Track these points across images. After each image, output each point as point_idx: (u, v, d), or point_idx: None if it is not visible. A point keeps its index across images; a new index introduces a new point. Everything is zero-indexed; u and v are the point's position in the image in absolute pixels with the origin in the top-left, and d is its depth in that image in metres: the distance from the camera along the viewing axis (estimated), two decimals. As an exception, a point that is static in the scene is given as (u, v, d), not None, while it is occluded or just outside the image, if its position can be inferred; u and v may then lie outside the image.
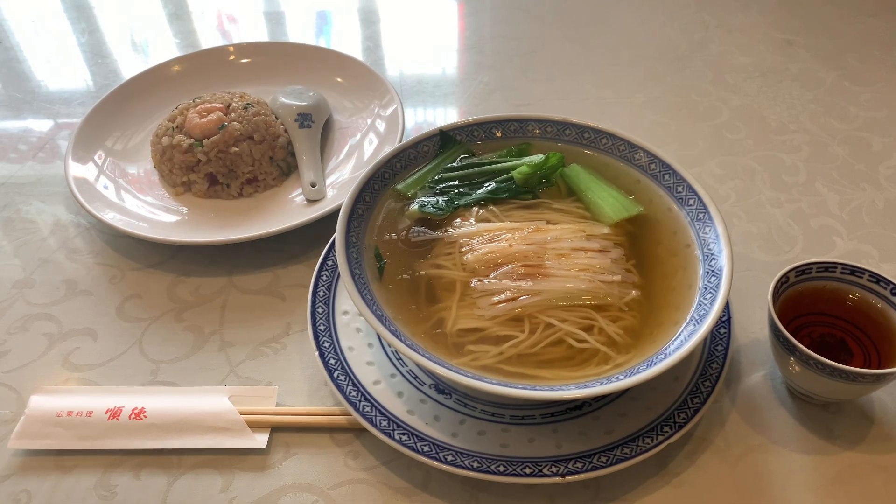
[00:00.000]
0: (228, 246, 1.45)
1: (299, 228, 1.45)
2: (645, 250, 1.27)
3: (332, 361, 1.29)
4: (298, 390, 1.28)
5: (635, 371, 1.10)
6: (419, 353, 1.11)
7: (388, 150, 1.48)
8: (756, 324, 1.46)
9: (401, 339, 1.12)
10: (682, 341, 1.14)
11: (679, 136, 1.82)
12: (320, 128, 1.74)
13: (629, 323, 1.15)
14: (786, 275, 1.30)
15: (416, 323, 1.15)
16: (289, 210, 1.58)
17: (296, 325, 1.38)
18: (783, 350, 1.24)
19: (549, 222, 1.27)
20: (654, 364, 1.10)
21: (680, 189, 1.30)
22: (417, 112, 1.94)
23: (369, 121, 1.76)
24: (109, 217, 1.59)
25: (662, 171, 1.34)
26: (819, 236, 1.55)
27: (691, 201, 1.35)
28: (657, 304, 1.18)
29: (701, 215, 1.33)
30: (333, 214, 1.25)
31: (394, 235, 1.28)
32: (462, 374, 1.08)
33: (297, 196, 1.61)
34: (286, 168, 1.67)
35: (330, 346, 1.33)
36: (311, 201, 1.59)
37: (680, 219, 1.28)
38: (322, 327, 1.27)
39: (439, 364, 1.10)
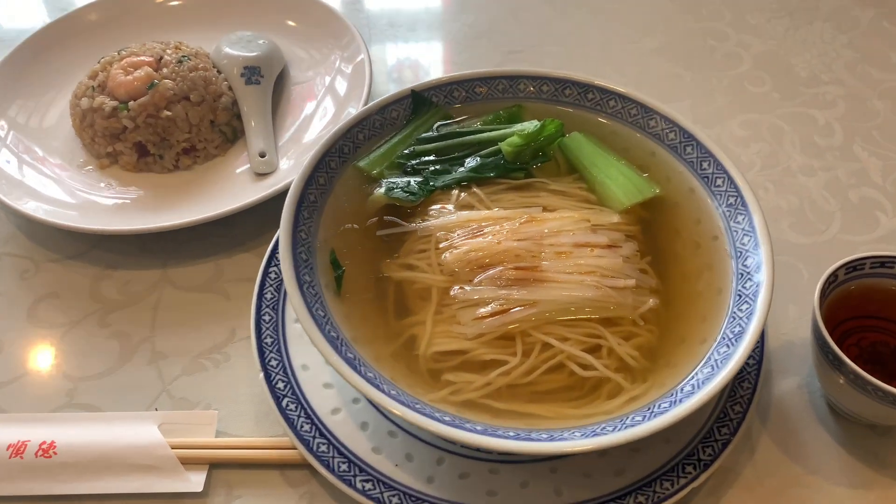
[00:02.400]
0: (163, 231, 1.23)
1: (247, 209, 1.25)
2: (662, 243, 1.09)
3: (281, 385, 1.05)
4: (244, 414, 1.11)
5: (655, 410, 0.88)
6: (382, 393, 0.87)
7: (353, 112, 1.20)
8: (789, 322, 1.23)
9: (359, 372, 0.89)
10: (713, 368, 0.91)
11: (694, 89, 1.64)
12: (272, 84, 1.53)
13: (645, 340, 0.98)
14: (834, 273, 1.07)
15: (382, 342, 0.97)
16: (235, 186, 1.38)
17: (242, 331, 1.21)
18: (828, 365, 1.02)
19: (545, 209, 1.08)
20: (679, 401, 0.87)
21: (705, 165, 1.11)
22: (388, 62, 1.67)
23: (329, 77, 1.47)
24: (17, 200, 1.32)
25: (683, 141, 1.14)
26: (860, 211, 1.38)
27: (719, 181, 1.09)
28: (678, 312, 1.01)
29: (732, 199, 1.08)
30: (287, 192, 1.04)
31: (355, 227, 1.08)
32: (438, 422, 0.84)
33: (244, 168, 1.40)
34: (231, 134, 1.47)
35: (279, 364, 1.10)
36: (261, 175, 1.38)
37: (705, 203, 1.09)
38: (269, 339, 1.05)
39: (409, 407, 0.86)
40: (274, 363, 1.10)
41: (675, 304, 1.00)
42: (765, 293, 0.95)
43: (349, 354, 0.89)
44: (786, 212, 1.39)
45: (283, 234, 1.03)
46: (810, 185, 1.44)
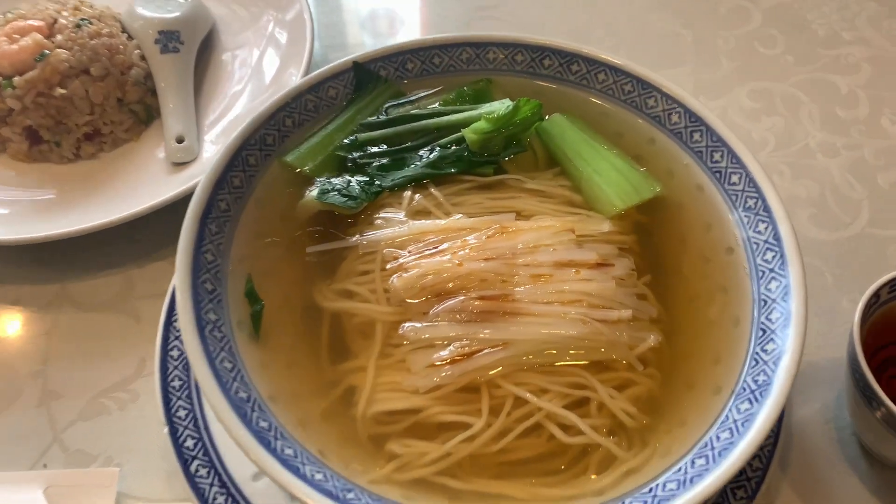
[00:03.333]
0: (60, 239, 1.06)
1: (164, 208, 1.07)
2: (663, 256, 0.92)
3: (190, 443, 0.85)
4: (153, 471, 0.93)
5: (659, 494, 0.67)
6: (301, 479, 0.66)
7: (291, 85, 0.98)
8: (811, 337, 1.02)
9: (272, 448, 0.68)
10: (733, 432, 0.71)
11: (696, 51, 1.45)
12: (194, 52, 1.31)
13: (644, 389, 0.81)
14: (877, 292, 0.87)
15: (311, 397, 0.80)
16: (149, 178, 1.19)
17: (154, 362, 0.95)
18: (862, 400, 0.83)
19: (519, 215, 0.90)
20: (690, 481, 0.68)
21: (717, 156, 0.92)
22: (333, 25, 1.49)
23: (264, 42, 1.25)
24: None
25: (690, 125, 0.95)
26: (891, 199, 1.21)
27: (735, 177, 0.90)
28: (685, 349, 0.84)
29: (751, 201, 0.88)
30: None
31: (279, 241, 0.90)
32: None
33: (160, 155, 1.21)
34: (144, 115, 1.27)
35: (188, 415, 0.88)
36: (180, 165, 1.19)
37: (717, 205, 0.90)
38: (178, 382, 0.88)
39: (335, 499, 0.65)
40: (182, 414, 0.89)
41: (680, 337, 0.84)
42: (796, 330, 0.74)
43: (261, 423, 0.68)
44: (804, 201, 1.21)
45: (181, 257, 0.80)
46: (832, 168, 1.26)
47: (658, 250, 0.91)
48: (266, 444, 0.70)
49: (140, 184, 1.16)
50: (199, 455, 0.87)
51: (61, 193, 1.16)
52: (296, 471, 0.68)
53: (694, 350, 0.83)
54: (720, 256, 0.87)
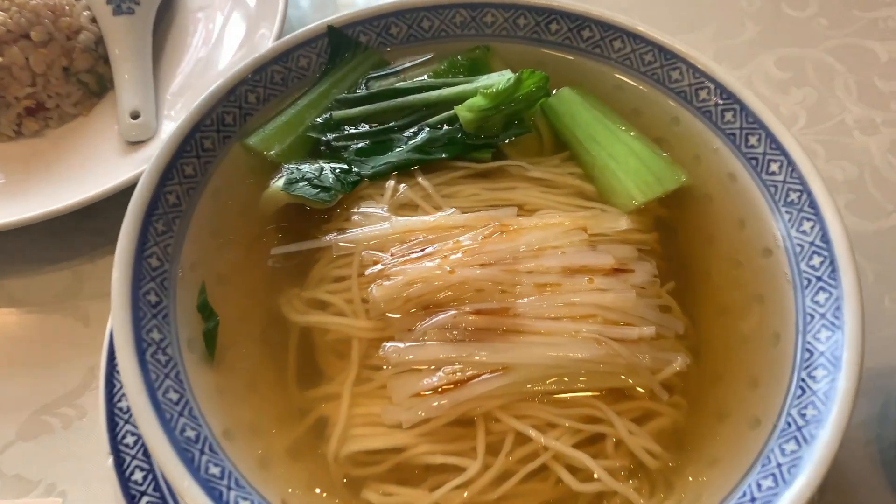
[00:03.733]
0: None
1: (118, 193, 0.97)
2: (688, 257, 0.82)
3: (139, 475, 0.74)
4: (102, 501, 0.83)
5: None
6: None
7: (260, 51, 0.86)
8: (847, 344, 0.90)
9: (223, 501, 0.55)
10: (777, 480, 0.61)
11: (716, 13, 1.31)
12: (153, 13, 1.19)
13: (669, 422, 0.71)
14: None
15: (275, 429, 0.70)
16: (100, 159, 1.08)
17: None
18: None
19: (521, 210, 0.80)
20: None
21: (754, 140, 0.80)
22: None
23: (230, 1, 1.10)
24: None
25: (722, 103, 0.83)
26: None
27: (775, 165, 0.78)
28: (716, 369, 0.74)
29: (795, 195, 0.76)
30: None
31: (240, 242, 0.79)
32: None
33: (114, 133, 1.10)
34: (96, 86, 1.16)
35: (137, 441, 0.76)
36: (136, 144, 1.08)
37: (752, 197, 0.79)
38: (125, 403, 0.78)
39: None
40: (130, 441, 0.77)
41: (709, 356, 0.75)
42: (852, 354, 0.63)
43: (211, 468, 0.60)
44: (841, 185, 1.11)
45: (118, 264, 0.70)
46: (872, 147, 1.14)
47: (682, 251, 0.82)
48: (216, 497, 0.59)
49: (91, 165, 1.07)
50: (149, 490, 0.75)
51: (1, 176, 1.07)
52: (251, 533, 0.56)
53: (725, 372, 0.73)
54: (756, 260, 0.77)
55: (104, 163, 1.05)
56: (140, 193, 0.74)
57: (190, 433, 0.63)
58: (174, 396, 0.65)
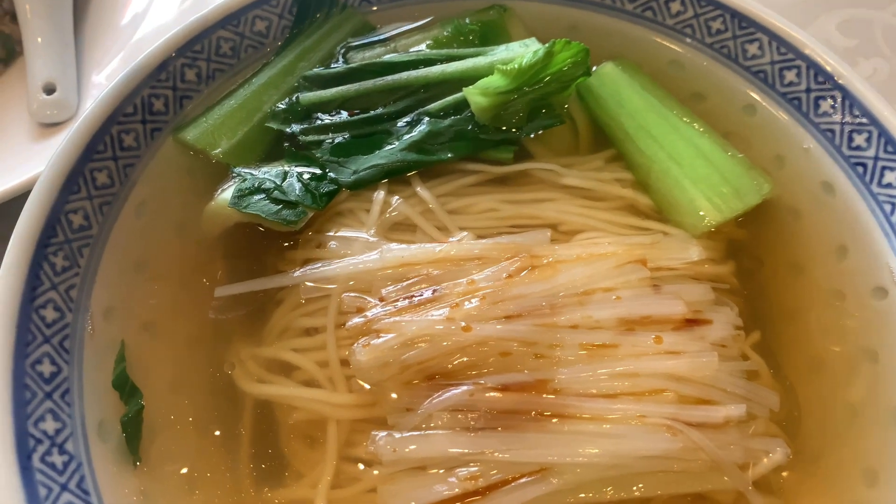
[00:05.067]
0: None
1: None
2: (771, 292, 0.65)
3: None
4: None
5: None
6: None
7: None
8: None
9: None
10: None
11: None
12: None
13: None
14: None
15: None
16: (5, 145, 0.90)
17: None
18: None
19: (555, 231, 0.63)
20: None
21: (860, 139, 0.62)
22: None
23: None
24: None
25: (817, 89, 0.65)
26: None
27: (892, 175, 0.61)
28: (815, 454, 0.57)
29: None
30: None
31: (166, 274, 0.62)
32: None
33: (23, 111, 0.92)
34: (1, 50, 0.97)
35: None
36: (50, 126, 0.89)
37: (858, 216, 0.62)
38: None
39: None
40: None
41: (808, 435, 0.58)
42: None
43: None
44: None
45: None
46: None
47: (764, 286, 0.65)
48: None
49: None
50: None
51: None
52: None
53: (831, 459, 0.57)
54: (864, 301, 0.62)
55: (10, 150, 0.90)
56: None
57: None
58: (75, 513, 0.46)
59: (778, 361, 0.61)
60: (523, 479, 0.51)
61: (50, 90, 0.90)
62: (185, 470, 0.55)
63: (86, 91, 0.91)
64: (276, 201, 0.60)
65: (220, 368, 0.58)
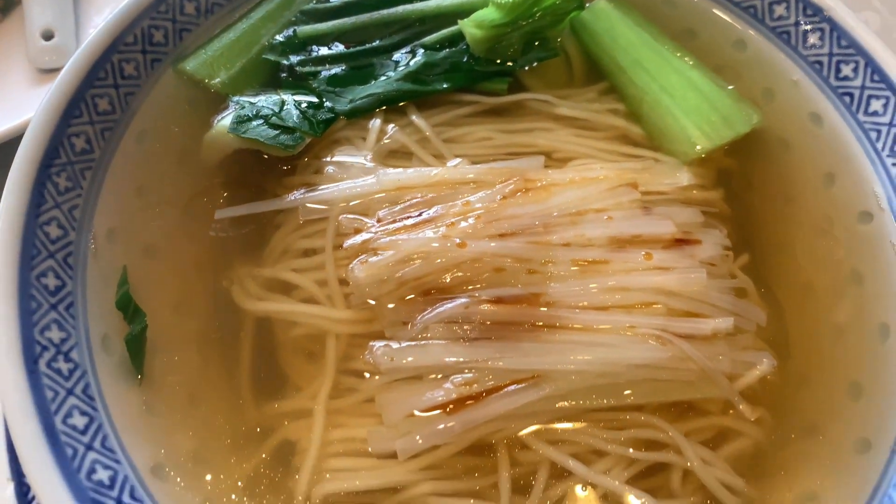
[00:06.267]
0: None
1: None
2: (760, 222, 0.66)
3: None
4: None
5: None
6: None
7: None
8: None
9: None
10: None
11: None
12: None
13: (750, 444, 0.55)
14: None
15: (223, 457, 0.54)
16: (5, 91, 0.92)
17: None
18: None
19: (549, 159, 0.64)
20: None
21: (848, 70, 0.63)
22: None
23: None
24: None
25: (806, 21, 0.66)
26: None
27: (878, 103, 0.62)
28: (802, 370, 0.59)
29: None
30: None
31: (168, 199, 0.62)
32: None
33: (23, 57, 0.94)
34: (2, 1, 0.99)
35: None
36: (49, 71, 0.91)
37: (844, 145, 0.63)
38: None
39: None
40: None
41: (794, 352, 0.59)
42: None
43: None
44: None
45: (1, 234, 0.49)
46: None
47: (754, 213, 0.66)
48: None
49: None
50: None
51: None
52: None
53: (817, 374, 0.59)
54: (850, 225, 0.63)
55: (9, 96, 0.91)
56: (34, 134, 0.56)
57: (102, 475, 0.46)
58: (80, 422, 0.48)
59: (767, 283, 0.62)
60: (517, 386, 0.52)
61: (48, 36, 0.92)
62: (187, 385, 0.55)
63: (84, 37, 0.92)
64: (274, 127, 0.61)
65: (221, 289, 0.59)
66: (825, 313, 0.61)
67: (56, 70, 0.92)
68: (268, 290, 0.58)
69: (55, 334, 0.51)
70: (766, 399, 0.57)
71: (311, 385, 0.55)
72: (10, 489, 0.63)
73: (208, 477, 0.52)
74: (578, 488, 0.51)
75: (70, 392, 0.49)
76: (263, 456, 0.54)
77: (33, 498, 0.63)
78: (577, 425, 0.52)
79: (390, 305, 0.54)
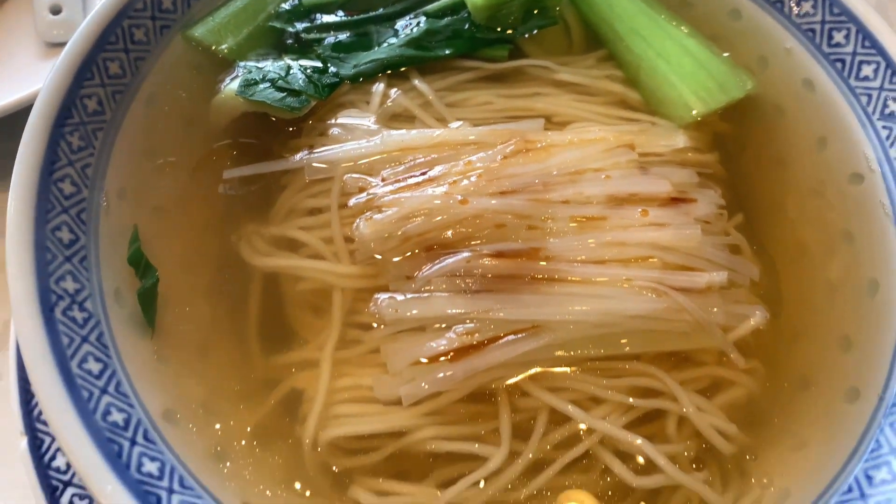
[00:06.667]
0: None
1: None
2: (755, 183, 0.68)
3: (62, 461, 0.60)
4: (19, 493, 0.66)
5: None
6: None
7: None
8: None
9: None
10: (893, 476, 0.48)
11: None
12: None
13: (743, 393, 0.57)
14: None
15: (232, 406, 0.56)
16: (12, 64, 0.92)
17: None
18: None
19: (549, 123, 0.65)
20: None
21: (839, 37, 0.64)
22: None
23: None
24: None
25: None
26: None
27: (868, 68, 0.63)
28: (796, 325, 0.61)
29: (894, 102, 0.61)
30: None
31: (177, 160, 0.63)
32: None
33: (30, 31, 0.94)
34: None
35: None
36: (57, 46, 0.91)
37: (836, 109, 0.64)
38: None
39: None
40: None
41: (788, 308, 0.61)
42: None
43: (145, 465, 0.50)
44: None
45: (16, 186, 0.55)
46: None
47: (749, 177, 0.67)
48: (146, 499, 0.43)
49: (2, 70, 0.92)
50: (75, 480, 0.59)
51: None
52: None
53: (808, 329, 0.61)
54: (842, 187, 0.64)
55: (17, 68, 0.91)
56: (47, 94, 0.57)
57: (117, 416, 0.48)
58: (95, 367, 0.49)
59: (760, 242, 0.63)
60: (516, 336, 0.53)
61: (56, 10, 0.94)
62: (197, 338, 0.57)
63: (91, 11, 0.92)
64: (280, 90, 0.62)
65: (230, 247, 0.60)
66: (817, 271, 0.62)
67: (63, 44, 0.94)
68: (275, 248, 0.59)
69: (70, 285, 0.52)
70: (759, 352, 0.59)
71: (317, 337, 0.56)
72: (24, 443, 0.65)
73: (217, 424, 0.53)
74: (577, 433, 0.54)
75: (85, 339, 0.51)
76: (272, 404, 0.55)
77: (47, 451, 0.65)
78: (576, 374, 0.53)
79: (395, 259, 0.56)
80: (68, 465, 0.63)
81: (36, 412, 0.65)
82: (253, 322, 0.58)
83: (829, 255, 0.62)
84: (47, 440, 0.64)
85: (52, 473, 0.62)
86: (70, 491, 0.62)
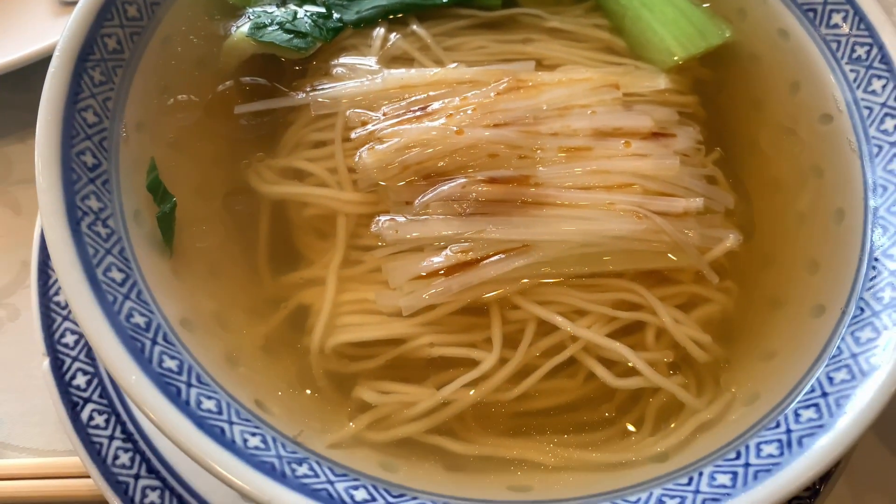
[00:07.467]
0: None
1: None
2: (733, 125, 0.71)
3: (82, 379, 0.67)
4: (41, 412, 0.74)
5: (757, 462, 0.47)
6: (226, 450, 0.43)
7: None
8: None
9: (181, 403, 0.48)
10: (854, 374, 0.53)
11: None
12: None
13: (718, 309, 0.61)
14: None
15: (244, 319, 0.59)
16: (29, 19, 0.96)
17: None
18: None
19: (540, 65, 0.68)
20: (800, 443, 0.47)
21: None
22: None
23: None
24: None
25: None
26: None
27: (837, 16, 0.67)
28: (769, 252, 0.65)
29: (862, 49, 0.65)
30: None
31: (196, 99, 0.66)
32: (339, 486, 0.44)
33: None
34: None
35: (79, 341, 0.67)
36: (69, 3, 0.93)
37: (808, 55, 0.68)
38: (63, 297, 0.69)
39: (279, 478, 0.43)
40: (70, 340, 0.66)
41: (761, 235, 0.66)
42: None
43: (166, 361, 0.51)
44: None
45: (44, 114, 0.59)
46: None
47: (727, 118, 0.72)
48: (172, 395, 0.47)
49: (18, 26, 0.95)
50: (94, 396, 0.64)
51: None
52: (218, 434, 0.47)
53: (780, 254, 0.65)
54: (812, 126, 0.67)
55: (33, 24, 0.94)
56: (71, 32, 0.60)
57: (139, 319, 0.51)
58: (118, 276, 0.52)
59: (737, 177, 0.67)
60: (507, 254, 0.56)
61: (71, -29, 0.96)
62: (208, 257, 0.60)
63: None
64: (288, 31, 0.65)
65: (241, 178, 0.63)
66: (789, 202, 0.66)
67: (76, 3, 0.97)
68: (282, 177, 0.62)
69: (94, 203, 0.56)
70: (733, 274, 0.62)
71: (322, 258, 0.60)
72: (46, 363, 0.69)
73: (230, 335, 0.56)
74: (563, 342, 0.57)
75: (108, 252, 0.54)
76: (281, 318, 0.58)
77: (67, 370, 0.69)
78: (562, 289, 0.57)
79: (397, 185, 0.60)
80: (88, 383, 0.67)
81: (57, 335, 0.69)
82: (262, 245, 0.61)
83: (799, 187, 0.65)
84: (68, 361, 0.68)
85: (72, 391, 0.66)
86: (90, 406, 0.66)
